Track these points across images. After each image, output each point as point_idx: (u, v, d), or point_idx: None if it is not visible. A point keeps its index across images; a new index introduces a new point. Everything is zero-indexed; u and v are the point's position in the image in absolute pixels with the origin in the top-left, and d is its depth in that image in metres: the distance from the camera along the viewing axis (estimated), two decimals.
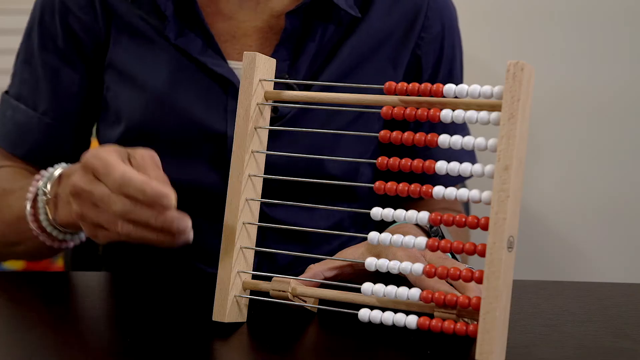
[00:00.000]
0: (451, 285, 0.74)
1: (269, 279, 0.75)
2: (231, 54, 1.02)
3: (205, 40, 1.00)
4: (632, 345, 0.71)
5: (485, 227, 0.64)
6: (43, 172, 0.89)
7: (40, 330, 0.73)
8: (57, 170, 0.88)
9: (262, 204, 1.01)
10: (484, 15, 1.76)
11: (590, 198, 1.84)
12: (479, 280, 0.65)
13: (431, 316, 0.67)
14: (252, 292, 0.76)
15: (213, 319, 0.74)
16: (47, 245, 0.91)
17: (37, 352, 0.68)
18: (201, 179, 1.00)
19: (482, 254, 0.64)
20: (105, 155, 0.72)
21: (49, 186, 0.87)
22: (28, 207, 0.88)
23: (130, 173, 0.70)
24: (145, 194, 0.69)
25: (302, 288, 0.74)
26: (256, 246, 1.01)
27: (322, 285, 0.77)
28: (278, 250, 0.80)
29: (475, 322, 0.65)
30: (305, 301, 0.75)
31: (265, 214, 1.01)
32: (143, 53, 1.01)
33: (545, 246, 1.85)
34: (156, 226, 0.70)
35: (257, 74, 0.74)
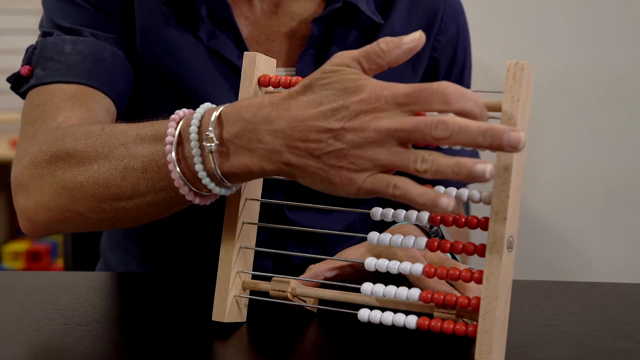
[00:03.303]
0: (451, 285, 0.74)
1: (268, 279, 0.75)
2: None
3: (236, 43, 1.00)
4: (632, 345, 0.71)
5: (485, 227, 0.64)
6: (179, 112, 0.73)
7: (40, 330, 0.73)
8: (212, 111, 0.70)
9: (284, 208, 1.03)
10: (484, 14, 1.76)
11: (590, 198, 1.84)
12: (479, 281, 0.65)
13: (431, 316, 0.67)
14: (252, 292, 0.76)
15: (213, 319, 0.74)
16: (177, 200, 0.74)
17: (36, 352, 0.68)
18: None
19: (482, 254, 0.64)
20: (391, 86, 0.63)
21: (212, 130, 0.68)
22: (172, 153, 0.70)
23: (454, 85, 0.61)
24: (486, 134, 0.60)
25: (301, 288, 0.74)
26: (275, 248, 1.02)
27: (321, 285, 0.77)
28: (278, 250, 0.80)
29: (475, 322, 0.65)
30: (305, 301, 0.75)
31: (286, 217, 1.03)
32: (174, 48, 1.00)
33: (545, 246, 1.86)
34: (484, 144, 0.60)
35: (257, 74, 0.74)
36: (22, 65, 0.96)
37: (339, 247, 1.06)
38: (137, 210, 0.75)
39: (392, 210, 0.69)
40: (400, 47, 0.65)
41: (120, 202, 0.75)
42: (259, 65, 0.75)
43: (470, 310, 0.67)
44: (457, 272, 0.67)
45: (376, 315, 0.69)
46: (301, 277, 0.78)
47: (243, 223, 0.75)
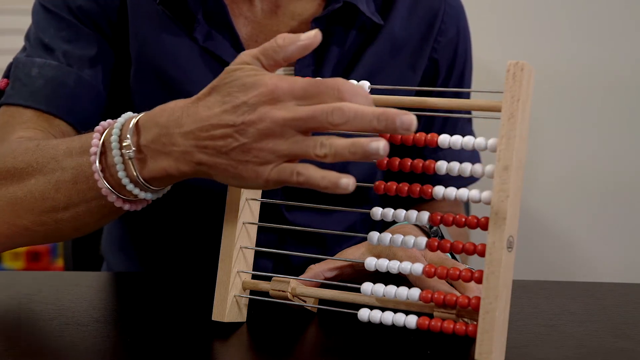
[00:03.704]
0: (451, 285, 0.74)
1: (268, 279, 0.75)
2: None
3: (233, 44, 1.00)
4: (632, 345, 0.71)
5: (485, 227, 0.64)
6: (103, 123, 0.76)
7: (41, 330, 0.73)
8: (131, 119, 0.73)
9: (282, 208, 1.03)
10: (485, 14, 1.76)
11: (590, 198, 1.84)
12: (479, 280, 0.65)
13: (431, 316, 0.67)
14: (252, 292, 0.76)
15: (212, 319, 0.74)
16: (108, 208, 0.77)
17: (36, 352, 0.68)
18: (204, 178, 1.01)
19: (482, 254, 0.64)
20: (288, 79, 0.65)
21: (129, 138, 0.72)
22: (97, 163, 0.73)
23: (342, 80, 0.64)
24: (380, 118, 0.62)
25: (301, 288, 0.74)
26: (274, 249, 1.02)
27: (321, 285, 0.77)
28: (278, 250, 0.80)
29: (475, 322, 0.65)
30: (305, 301, 0.75)
31: (284, 217, 1.03)
32: (169, 50, 1.00)
33: (545, 246, 1.85)
34: (379, 127, 0.62)
35: None
36: (2, 77, 0.99)
37: (339, 247, 1.06)
38: (74, 220, 0.78)
39: (392, 210, 0.69)
40: (296, 44, 0.68)
41: (57, 214, 0.78)
42: None
43: (470, 310, 0.67)
44: (457, 272, 0.67)
45: (376, 315, 0.69)
46: (301, 277, 0.78)
47: (243, 223, 0.75)
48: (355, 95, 0.64)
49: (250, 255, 0.76)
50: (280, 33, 1.04)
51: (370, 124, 0.62)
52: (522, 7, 1.82)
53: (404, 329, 0.68)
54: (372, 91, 0.72)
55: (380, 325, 0.69)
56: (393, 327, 0.68)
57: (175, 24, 0.99)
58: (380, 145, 0.62)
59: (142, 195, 0.74)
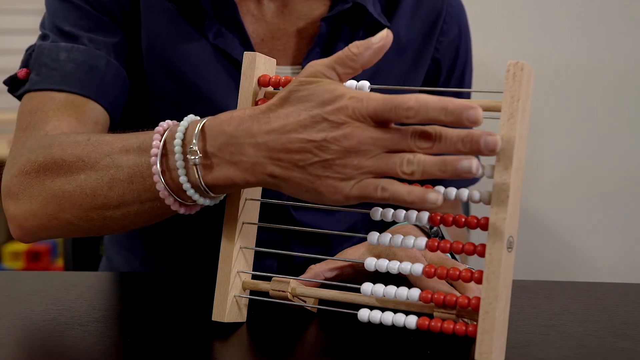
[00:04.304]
0: (451, 285, 0.74)
1: (268, 279, 0.75)
2: None
3: (242, 42, 1.00)
4: (632, 345, 0.71)
5: (485, 227, 0.64)
6: (163, 124, 0.74)
7: (40, 330, 0.73)
8: (196, 124, 0.71)
9: (290, 206, 1.03)
10: (485, 14, 1.76)
11: (591, 198, 1.84)
12: (479, 281, 0.65)
13: (431, 316, 0.67)
14: (252, 292, 0.76)
15: (212, 319, 0.74)
16: (162, 210, 0.75)
17: (36, 352, 0.68)
18: None
19: (482, 254, 0.64)
20: (361, 93, 0.64)
21: (195, 144, 0.70)
22: (157, 165, 0.71)
23: (420, 96, 0.62)
24: (448, 110, 0.62)
25: (301, 288, 0.74)
26: (278, 248, 1.02)
27: (321, 285, 0.77)
28: (278, 250, 0.80)
29: (475, 322, 0.65)
30: (305, 301, 0.75)
31: (291, 216, 1.03)
32: (180, 46, 1.00)
33: (545, 246, 1.86)
34: (464, 150, 0.62)
35: (257, 74, 0.74)
36: (20, 67, 0.97)
37: (341, 247, 1.07)
38: (123, 219, 0.77)
39: (392, 211, 0.69)
40: (371, 48, 0.67)
41: (107, 212, 0.77)
42: (259, 65, 0.75)
43: (470, 310, 0.67)
44: (457, 272, 0.67)
45: (376, 315, 0.69)
46: (301, 277, 0.79)
47: (243, 223, 0.75)
48: (427, 109, 0.62)
49: (250, 255, 0.76)
50: (288, 32, 1.05)
51: (455, 146, 0.62)
52: (522, 6, 1.82)
53: (404, 329, 0.68)
54: (372, 91, 0.72)
55: (380, 325, 0.69)
56: (393, 327, 0.68)
57: (185, 21, 1.00)
58: (473, 164, 0.61)
59: (200, 201, 0.72)
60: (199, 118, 0.72)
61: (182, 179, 0.71)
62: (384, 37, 0.67)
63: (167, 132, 0.73)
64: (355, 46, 0.67)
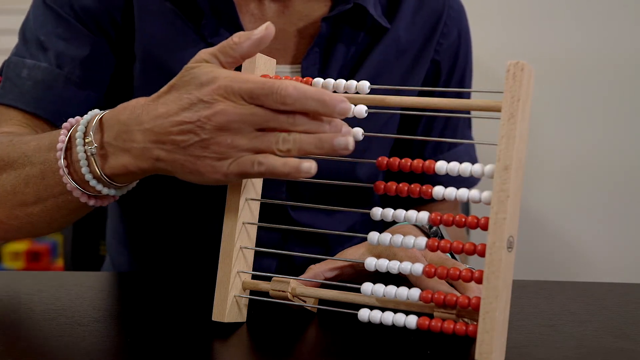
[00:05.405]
0: (451, 285, 0.74)
1: (268, 279, 0.75)
2: None
3: None
4: (632, 345, 0.71)
5: (485, 227, 0.64)
6: (71, 120, 0.77)
7: (41, 330, 0.73)
8: (95, 116, 0.75)
9: (288, 206, 1.03)
10: (485, 14, 1.76)
11: (590, 198, 1.84)
12: (479, 280, 0.65)
13: (431, 316, 0.67)
14: (252, 292, 0.76)
15: (213, 319, 0.74)
16: (75, 204, 0.78)
17: (36, 352, 0.68)
18: None
19: (482, 254, 0.64)
20: (237, 74, 0.67)
21: (92, 134, 0.74)
22: (62, 159, 0.75)
23: (297, 84, 0.65)
24: (325, 102, 0.65)
25: (301, 288, 0.74)
26: (278, 248, 1.02)
27: (321, 285, 0.77)
28: (278, 250, 0.80)
29: (475, 322, 0.65)
30: (305, 301, 0.75)
31: (289, 216, 1.04)
32: (176, 47, 1.00)
33: (545, 246, 1.86)
34: (322, 152, 0.66)
35: (257, 73, 0.74)
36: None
37: (341, 247, 1.07)
38: (44, 214, 0.81)
39: (392, 211, 0.69)
40: (251, 39, 0.70)
41: (27, 208, 0.81)
42: (258, 65, 0.75)
43: (470, 310, 0.67)
44: (458, 272, 0.67)
45: (376, 315, 0.69)
46: (301, 277, 0.78)
47: (243, 223, 0.75)
48: (303, 99, 0.65)
49: (250, 255, 0.76)
50: (288, 32, 1.05)
51: (313, 149, 0.65)
52: (522, 6, 1.82)
53: (404, 329, 0.68)
54: (372, 91, 0.72)
55: (381, 325, 0.69)
56: (393, 327, 0.68)
57: (182, 21, 1.00)
58: (350, 141, 0.64)
59: (105, 191, 0.76)
60: (101, 112, 0.76)
61: (84, 170, 0.74)
62: (263, 30, 0.70)
63: (73, 127, 0.77)
64: (237, 36, 0.70)
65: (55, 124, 0.98)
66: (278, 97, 0.65)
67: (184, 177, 0.70)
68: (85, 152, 0.74)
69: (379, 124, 1.05)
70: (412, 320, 0.67)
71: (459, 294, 0.68)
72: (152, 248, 1.11)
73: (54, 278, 0.97)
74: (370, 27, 1.04)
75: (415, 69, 1.08)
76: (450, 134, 1.12)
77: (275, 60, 0.76)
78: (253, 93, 0.66)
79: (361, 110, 0.70)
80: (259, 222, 0.77)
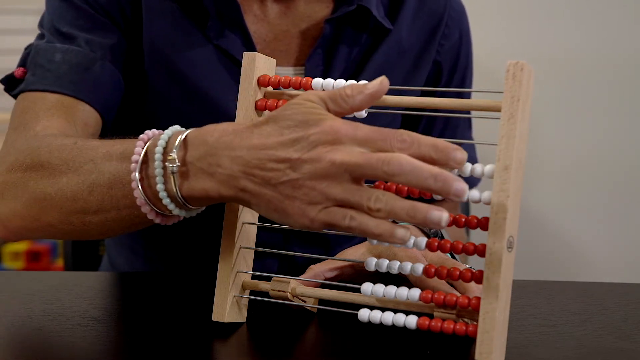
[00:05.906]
0: (451, 285, 0.74)
1: (268, 279, 0.75)
2: None
3: (244, 42, 1.00)
4: (632, 345, 0.71)
5: (485, 227, 0.64)
6: (148, 132, 0.74)
7: (41, 330, 0.73)
8: (178, 133, 0.71)
9: None
10: (485, 13, 1.76)
11: (590, 198, 1.84)
12: (479, 280, 0.65)
13: (431, 316, 0.67)
14: (252, 292, 0.76)
15: (212, 319, 0.74)
16: (139, 219, 0.75)
17: (36, 352, 0.68)
18: None
19: (482, 254, 0.64)
20: (352, 124, 0.64)
21: (175, 152, 0.69)
22: (136, 172, 0.71)
23: (410, 132, 0.63)
24: (438, 148, 0.62)
25: (301, 288, 0.74)
26: (279, 248, 1.02)
27: (321, 285, 0.77)
28: (278, 250, 0.80)
29: (475, 322, 0.65)
30: (305, 301, 0.75)
31: None
32: (182, 47, 1.00)
33: (545, 246, 1.86)
34: (434, 188, 0.61)
35: (256, 74, 0.74)
36: (18, 66, 0.97)
37: (341, 247, 1.07)
38: (102, 225, 0.76)
39: None
40: (364, 92, 0.67)
41: (86, 216, 0.76)
42: (258, 65, 0.75)
43: (470, 310, 0.67)
44: (457, 272, 0.67)
45: (376, 315, 0.69)
46: (301, 277, 0.78)
47: (243, 223, 0.75)
48: (417, 145, 0.62)
49: (250, 255, 0.76)
50: (291, 33, 1.05)
51: (425, 181, 0.60)
52: (522, 5, 1.82)
53: (404, 329, 0.68)
54: None
55: (380, 325, 0.69)
56: (393, 327, 0.68)
57: (188, 22, 1.00)
58: (444, 216, 0.60)
59: (176, 211, 0.72)
60: (184, 129, 0.72)
61: (159, 186, 0.70)
62: (377, 85, 0.67)
63: (151, 140, 0.72)
64: (350, 88, 0.67)
65: (96, 108, 0.95)
66: (395, 142, 0.62)
67: (267, 214, 0.67)
68: (163, 168, 0.70)
69: (382, 124, 1.05)
70: (412, 320, 0.67)
71: (459, 294, 0.68)
72: (151, 248, 1.11)
73: (54, 278, 0.97)
74: (372, 28, 1.04)
75: (417, 70, 1.08)
76: (450, 134, 1.12)
77: (274, 60, 0.76)
78: (369, 138, 0.63)
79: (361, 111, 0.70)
80: (259, 222, 0.77)
